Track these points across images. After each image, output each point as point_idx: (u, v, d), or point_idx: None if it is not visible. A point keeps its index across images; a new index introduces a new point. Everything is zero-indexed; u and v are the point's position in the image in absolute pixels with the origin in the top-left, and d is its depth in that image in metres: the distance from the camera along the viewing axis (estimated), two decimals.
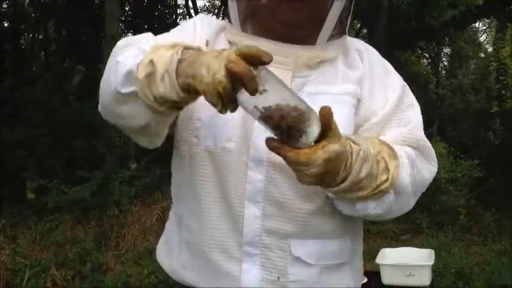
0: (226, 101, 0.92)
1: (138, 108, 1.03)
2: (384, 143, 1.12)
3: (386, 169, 1.08)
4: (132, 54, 1.04)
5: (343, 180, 1.03)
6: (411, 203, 1.18)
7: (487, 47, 22.69)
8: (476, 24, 19.32)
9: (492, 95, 14.79)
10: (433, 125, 16.40)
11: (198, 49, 1.01)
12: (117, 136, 7.73)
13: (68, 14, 13.40)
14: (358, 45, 1.27)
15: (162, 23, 16.99)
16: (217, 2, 20.61)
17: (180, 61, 0.96)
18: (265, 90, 0.91)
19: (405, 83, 1.26)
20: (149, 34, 1.20)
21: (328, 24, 1.17)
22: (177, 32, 1.27)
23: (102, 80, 1.12)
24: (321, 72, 1.19)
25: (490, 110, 14.10)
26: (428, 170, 1.20)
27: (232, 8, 1.19)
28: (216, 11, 20.39)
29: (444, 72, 22.54)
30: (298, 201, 1.15)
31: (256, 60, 0.90)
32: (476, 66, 21.42)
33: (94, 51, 13.01)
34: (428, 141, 1.21)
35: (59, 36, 14.39)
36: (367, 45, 1.30)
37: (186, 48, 0.99)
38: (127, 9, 15.80)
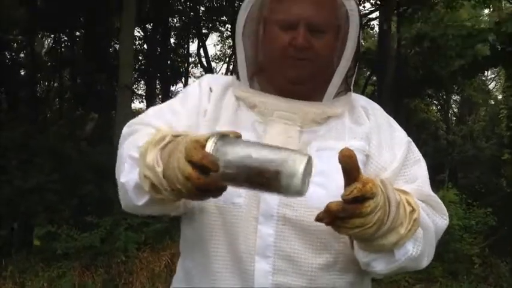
0: (209, 190, 0.95)
1: (164, 204, 1.10)
2: (397, 188, 1.13)
3: (408, 202, 1.08)
4: (129, 168, 1.11)
5: (388, 215, 1.01)
6: (434, 247, 1.17)
7: (496, 94, 22.79)
8: (486, 72, 19.48)
9: (503, 142, 14.71)
10: (444, 171, 16.29)
11: (179, 139, 1.03)
12: None
13: (83, 63, 13.80)
14: (363, 103, 1.30)
15: (175, 72, 17.39)
16: (229, 51, 21.10)
17: (164, 171, 1.00)
18: (229, 161, 0.92)
19: (410, 139, 1.29)
20: (152, 114, 1.26)
21: (335, 83, 1.22)
22: (182, 98, 1.30)
23: (119, 186, 1.18)
24: (328, 128, 1.22)
25: (501, 157, 14.01)
26: (440, 220, 1.21)
27: (241, 64, 1.24)
28: (227, 59, 20.87)
29: (454, 118, 22.59)
30: (308, 256, 1.14)
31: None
32: (487, 113, 21.44)
33: (107, 99, 13.31)
34: (436, 196, 1.22)
35: (73, 84, 14.75)
36: (371, 102, 1.34)
37: (166, 144, 1.03)
38: (140, 58, 16.22)
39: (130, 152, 1.12)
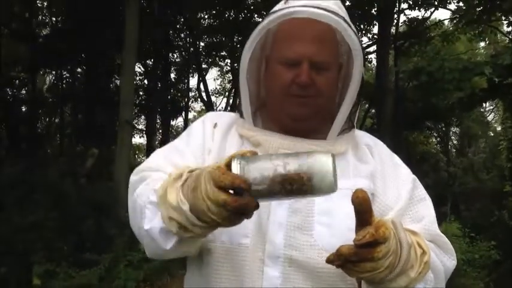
0: (245, 212, 0.93)
1: (190, 244, 1.08)
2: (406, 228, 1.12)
3: (418, 244, 1.07)
4: (151, 214, 1.07)
5: (400, 257, 0.99)
6: (444, 287, 1.15)
7: (495, 125, 22.90)
8: (484, 104, 19.62)
9: (504, 174, 14.69)
10: (446, 204, 16.22)
11: (195, 172, 1.01)
12: (127, 216, 7.70)
13: (84, 99, 13.93)
14: (367, 140, 1.29)
15: (175, 106, 17.53)
16: (228, 85, 21.32)
17: (191, 209, 0.97)
18: (258, 177, 0.92)
19: (415, 176, 1.27)
20: (158, 157, 1.24)
21: (339, 120, 1.21)
22: (186, 138, 1.30)
23: (137, 235, 1.14)
24: None
25: (503, 189, 13.96)
26: (448, 260, 1.19)
27: (245, 103, 1.23)
28: (227, 93, 21.06)
29: (454, 150, 22.63)
30: None
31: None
32: (486, 145, 21.50)
33: (108, 134, 13.36)
34: (444, 235, 1.20)
35: (74, 120, 14.84)
36: (375, 139, 1.33)
37: (185, 180, 1.01)
38: (141, 93, 16.39)
39: (149, 197, 1.08)
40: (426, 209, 1.22)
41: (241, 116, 1.26)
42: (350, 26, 1.16)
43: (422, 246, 1.06)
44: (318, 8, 1.14)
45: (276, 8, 1.21)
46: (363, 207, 0.94)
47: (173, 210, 0.99)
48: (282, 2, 1.21)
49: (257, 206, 0.93)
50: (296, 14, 1.15)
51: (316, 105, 1.18)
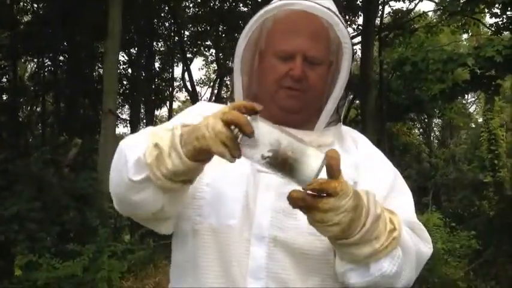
0: (231, 148, 0.97)
1: (152, 192, 1.08)
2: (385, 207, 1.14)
3: (390, 220, 1.09)
4: (138, 142, 1.10)
5: (364, 224, 1.01)
6: (414, 271, 1.16)
7: (477, 117, 23.23)
8: (466, 96, 19.86)
9: (485, 164, 14.94)
10: (428, 194, 16.44)
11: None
12: (111, 207, 7.67)
13: (66, 88, 13.75)
14: (352, 134, 1.35)
15: (159, 96, 17.41)
16: (213, 75, 21.23)
17: (182, 134, 1.03)
18: (257, 139, 0.97)
19: (397, 171, 1.32)
20: (150, 128, 1.26)
21: (327, 110, 1.26)
22: (180, 117, 1.33)
23: (111, 177, 1.15)
24: None
25: (483, 179, 14.21)
26: (424, 247, 1.21)
27: (238, 92, 1.27)
28: (212, 83, 20.98)
29: (436, 141, 22.90)
30: (299, 278, 1.16)
31: (249, 111, 0.98)
32: (468, 136, 21.80)
33: (91, 124, 13.22)
34: (421, 224, 1.23)
35: (56, 109, 14.65)
36: (360, 134, 1.38)
37: (184, 125, 1.06)
38: (125, 82, 16.23)
39: (148, 129, 1.12)
40: (405, 200, 1.26)
41: None
42: (341, 21, 1.22)
43: (393, 223, 1.08)
44: (313, 1, 1.20)
45: (272, 2, 1.25)
46: (331, 164, 0.97)
47: (161, 138, 1.04)
48: None
49: (240, 156, 0.97)
50: (291, 6, 1.21)
51: (306, 99, 1.23)
